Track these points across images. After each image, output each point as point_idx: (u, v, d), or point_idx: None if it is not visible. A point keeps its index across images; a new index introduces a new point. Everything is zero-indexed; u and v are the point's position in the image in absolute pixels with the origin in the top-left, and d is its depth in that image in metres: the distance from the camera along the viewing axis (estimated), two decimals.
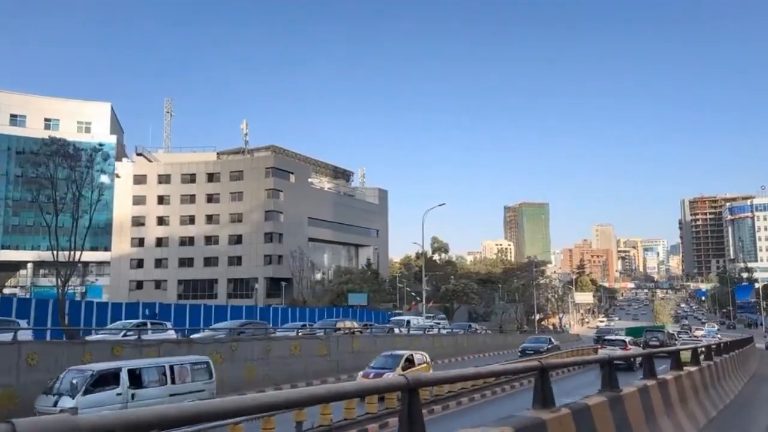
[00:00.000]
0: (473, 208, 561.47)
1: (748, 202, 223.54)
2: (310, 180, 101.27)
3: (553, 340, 45.43)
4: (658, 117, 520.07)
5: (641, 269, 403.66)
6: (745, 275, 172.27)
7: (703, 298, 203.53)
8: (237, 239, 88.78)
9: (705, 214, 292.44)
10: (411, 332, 41.84)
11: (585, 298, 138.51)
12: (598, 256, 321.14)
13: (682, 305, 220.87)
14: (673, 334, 55.90)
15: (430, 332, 44.73)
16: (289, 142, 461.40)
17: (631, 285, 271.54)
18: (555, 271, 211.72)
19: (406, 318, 49.15)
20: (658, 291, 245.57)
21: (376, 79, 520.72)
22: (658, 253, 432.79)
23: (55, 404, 14.75)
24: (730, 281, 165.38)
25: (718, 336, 64.55)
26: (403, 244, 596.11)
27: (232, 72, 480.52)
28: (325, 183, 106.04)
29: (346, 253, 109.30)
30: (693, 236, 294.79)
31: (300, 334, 31.33)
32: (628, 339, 39.66)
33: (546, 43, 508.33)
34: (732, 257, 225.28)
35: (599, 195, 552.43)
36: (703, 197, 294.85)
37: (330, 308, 58.74)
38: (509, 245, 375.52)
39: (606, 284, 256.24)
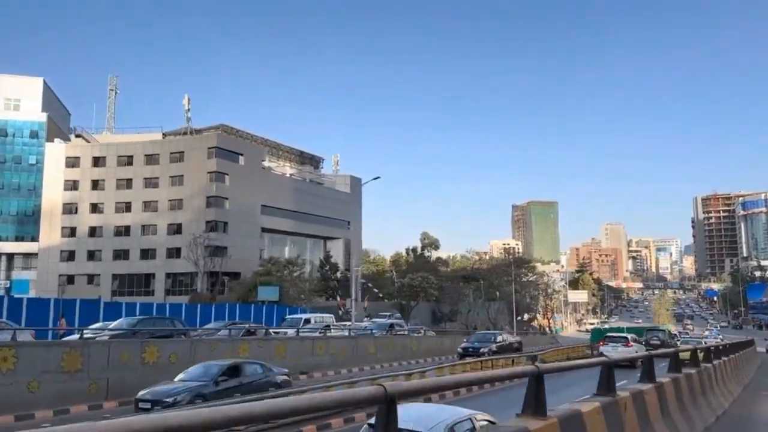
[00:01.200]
0: (481, 207, 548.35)
1: (762, 196, 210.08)
2: (268, 165, 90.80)
3: (508, 337, 40.70)
4: (671, 113, 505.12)
5: (653, 270, 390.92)
6: (758, 274, 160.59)
7: (715, 298, 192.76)
8: (176, 229, 78.30)
9: (718, 212, 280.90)
10: (302, 334, 31.67)
11: (579, 296, 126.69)
12: (606, 255, 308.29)
13: (692, 305, 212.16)
14: (676, 334, 55.38)
15: (331, 333, 35.10)
16: (263, 129, 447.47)
17: (639, 285, 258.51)
18: (558, 270, 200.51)
19: (304, 317, 38.65)
20: (669, 291, 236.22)
21: (379, 71, 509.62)
22: (671, 254, 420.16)
23: None
24: (742, 280, 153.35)
25: (720, 337, 62.35)
26: (400, 239, 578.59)
27: (199, 54, 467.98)
28: (287, 168, 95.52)
29: (313, 246, 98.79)
30: (706, 235, 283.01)
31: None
32: (630, 336, 38.75)
33: (556, 40, 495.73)
34: (745, 255, 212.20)
35: (610, 194, 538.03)
36: (717, 194, 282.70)
37: (234, 305, 48.29)
38: (517, 245, 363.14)
39: (612, 284, 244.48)
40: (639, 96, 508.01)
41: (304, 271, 68.11)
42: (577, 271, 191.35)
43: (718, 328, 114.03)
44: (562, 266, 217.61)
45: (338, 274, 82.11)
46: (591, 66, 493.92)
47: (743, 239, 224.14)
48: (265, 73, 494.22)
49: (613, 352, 33.32)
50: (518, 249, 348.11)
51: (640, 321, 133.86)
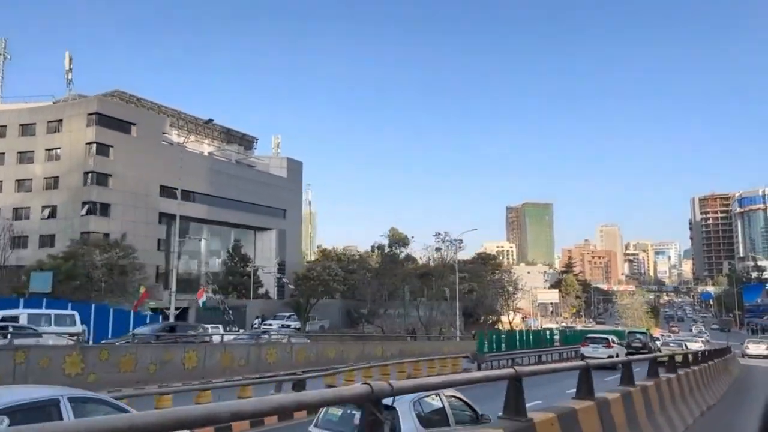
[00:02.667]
0: (475, 209, 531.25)
1: (760, 191, 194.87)
2: (179, 140, 77.00)
3: None
4: (670, 113, 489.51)
5: (651, 273, 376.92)
6: (754, 274, 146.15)
7: (711, 301, 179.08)
8: (51, 212, 64.73)
9: (716, 212, 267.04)
10: None
11: (549, 297, 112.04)
12: (599, 257, 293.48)
13: (686, 308, 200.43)
14: (659, 337, 56.25)
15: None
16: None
17: (632, 288, 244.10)
18: (545, 271, 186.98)
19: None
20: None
21: (370, 68, 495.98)
22: (669, 257, 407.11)
23: None
24: (737, 281, 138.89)
25: (703, 339, 61.32)
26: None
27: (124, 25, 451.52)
28: (206, 146, 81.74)
29: (239, 236, 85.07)
30: (703, 236, 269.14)
31: None
32: (611, 337, 39.05)
33: (551, 39, 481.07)
34: (741, 255, 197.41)
35: (608, 196, 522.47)
36: (714, 195, 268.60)
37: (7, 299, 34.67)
38: (511, 247, 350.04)
39: (604, 287, 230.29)
40: (636, 96, 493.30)
41: (134, 255, 53.94)
42: (563, 272, 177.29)
43: (702, 329, 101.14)
44: (549, 267, 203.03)
45: (248, 268, 68.16)
46: (587, 65, 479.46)
47: (740, 238, 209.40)
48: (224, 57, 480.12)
49: (593, 352, 34.44)
50: (512, 251, 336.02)
51: (619, 324, 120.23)
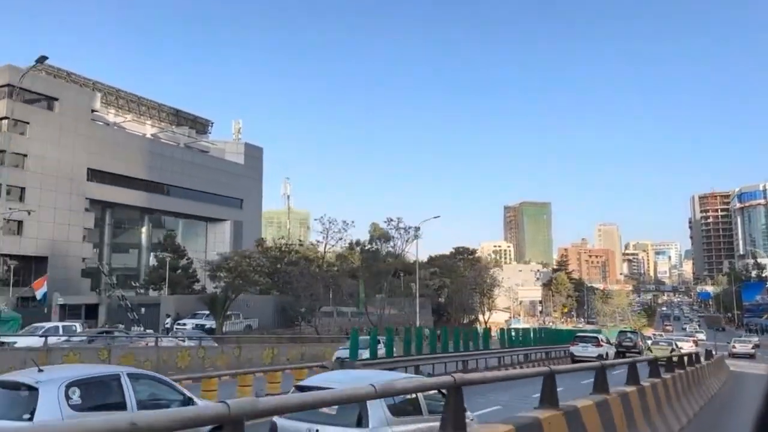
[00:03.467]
0: (472, 208, 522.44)
1: (761, 186, 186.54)
2: (116, 119, 69.87)
3: None
4: (668, 111, 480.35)
5: (651, 274, 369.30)
6: (754, 273, 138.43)
7: (710, 300, 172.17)
8: None
9: (716, 210, 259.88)
10: None
11: (530, 294, 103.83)
12: (596, 257, 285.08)
13: (684, 308, 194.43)
14: (650, 336, 56.32)
15: None
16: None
17: (629, 288, 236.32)
18: (539, 270, 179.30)
19: None
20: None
21: (365, 66, 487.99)
22: (669, 257, 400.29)
23: None
24: (736, 279, 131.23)
25: (694, 338, 61.29)
26: None
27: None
28: (148, 128, 74.28)
29: (189, 228, 77.78)
30: (703, 235, 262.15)
31: None
32: (600, 336, 39.41)
33: (548, 37, 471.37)
34: (741, 253, 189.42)
35: (606, 196, 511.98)
36: (715, 193, 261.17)
37: None
38: (509, 247, 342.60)
39: (600, 286, 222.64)
40: (634, 95, 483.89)
41: None
42: (555, 270, 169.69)
43: (697, 329, 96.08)
44: (543, 266, 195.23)
45: (185, 261, 60.48)
46: (584, 63, 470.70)
47: (739, 235, 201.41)
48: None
49: (583, 351, 34.89)
50: (510, 251, 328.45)
51: (608, 324, 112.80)
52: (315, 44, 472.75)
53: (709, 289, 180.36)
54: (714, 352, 38.36)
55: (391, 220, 64.68)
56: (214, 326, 42.67)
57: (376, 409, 7.34)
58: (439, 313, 76.59)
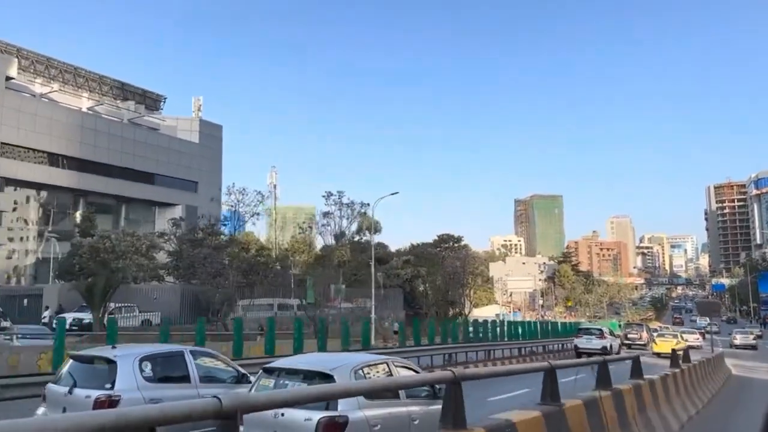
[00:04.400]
0: (482, 203, 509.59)
1: None
2: (42, 90, 61.82)
3: None
4: (681, 100, 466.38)
5: (666, 267, 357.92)
6: None
7: (725, 293, 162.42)
8: None
9: (732, 201, 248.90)
10: None
11: (522, 285, 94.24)
12: (608, 249, 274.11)
13: (697, 301, 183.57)
14: (657, 329, 56.19)
15: None
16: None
17: (641, 281, 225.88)
18: (545, 263, 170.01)
19: None
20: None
21: (369, 61, 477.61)
22: (685, 251, 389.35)
23: None
24: (752, 270, 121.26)
25: (701, 331, 61.77)
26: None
27: None
28: (84, 101, 66.16)
29: (134, 212, 69.60)
30: (719, 227, 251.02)
31: None
32: (604, 329, 39.46)
33: (558, 30, 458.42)
34: (759, 242, 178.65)
35: (621, 188, 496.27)
36: (731, 182, 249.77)
37: None
38: (519, 241, 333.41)
39: (610, 279, 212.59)
40: (646, 85, 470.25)
41: None
42: (559, 262, 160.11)
43: (707, 322, 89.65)
44: (549, 259, 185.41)
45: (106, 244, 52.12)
46: (594, 54, 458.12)
47: (756, 224, 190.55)
48: None
49: (587, 343, 35.16)
50: (520, 246, 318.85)
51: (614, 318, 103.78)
52: (313, 40, 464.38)
53: (725, 281, 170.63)
54: (712, 349, 32.39)
55: (330, 194, 56.00)
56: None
57: None
58: (414, 305, 67.88)
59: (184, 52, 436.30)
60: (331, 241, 61.91)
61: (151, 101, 74.85)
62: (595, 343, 34.75)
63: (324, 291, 56.07)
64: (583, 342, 35.87)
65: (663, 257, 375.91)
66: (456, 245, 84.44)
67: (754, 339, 52.72)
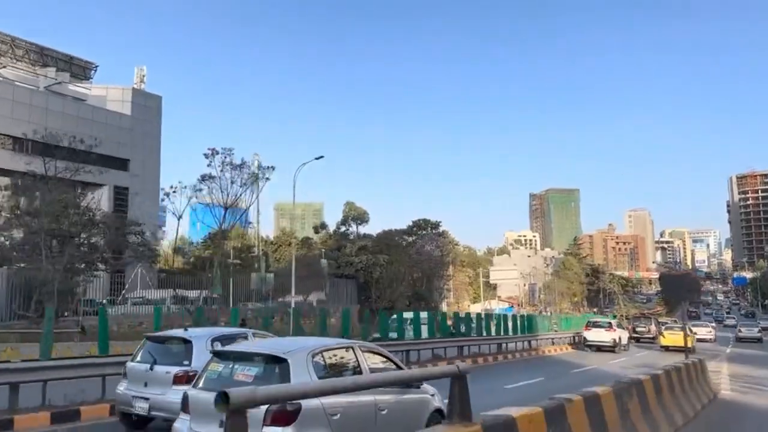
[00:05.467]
0: (496, 197, 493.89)
1: None
2: None
3: None
4: (702, 89, 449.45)
5: (688, 263, 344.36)
6: None
7: (746, 287, 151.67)
8: None
9: (756, 191, 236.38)
10: None
11: (505, 276, 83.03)
12: (624, 243, 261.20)
13: (719, 295, 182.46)
14: (666, 321, 53.43)
15: None
16: None
17: (656, 275, 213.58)
18: (553, 257, 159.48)
19: None
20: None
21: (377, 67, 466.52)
22: (708, 245, 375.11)
23: None
24: None
25: (712, 325, 58.82)
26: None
27: None
28: None
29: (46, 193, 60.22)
30: (742, 218, 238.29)
31: None
32: (613, 321, 39.61)
33: (576, 19, 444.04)
34: None
35: (640, 181, 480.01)
36: (755, 172, 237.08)
37: None
38: (534, 236, 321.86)
39: (625, 274, 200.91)
40: (665, 75, 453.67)
41: None
42: (567, 255, 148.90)
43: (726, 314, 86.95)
44: (559, 253, 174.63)
45: None
46: (611, 44, 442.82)
47: None
48: None
49: (596, 336, 34.88)
50: (536, 241, 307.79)
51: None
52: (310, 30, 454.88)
53: (747, 275, 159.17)
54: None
55: (215, 152, 45.80)
56: None
57: (302, 376, 6.51)
58: (371, 297, 58.01)
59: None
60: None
61: (80, 69, 65.50)
62: (604, 336, 34.65)
63: (245, 282, 46.71)
64: (591, 335, 35.49)
65: (685, 252, 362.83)
66: (433, 232, 74.31)
67: (759, 332, 51.63)
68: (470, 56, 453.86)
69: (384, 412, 7.16)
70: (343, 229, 77.05)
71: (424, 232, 74.06)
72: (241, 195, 46.59)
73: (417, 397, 7.94)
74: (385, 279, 59.29)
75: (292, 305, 37.47)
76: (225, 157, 44.22)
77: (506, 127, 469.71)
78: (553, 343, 37.73)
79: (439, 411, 8.06)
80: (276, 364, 6.68)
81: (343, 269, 55.82)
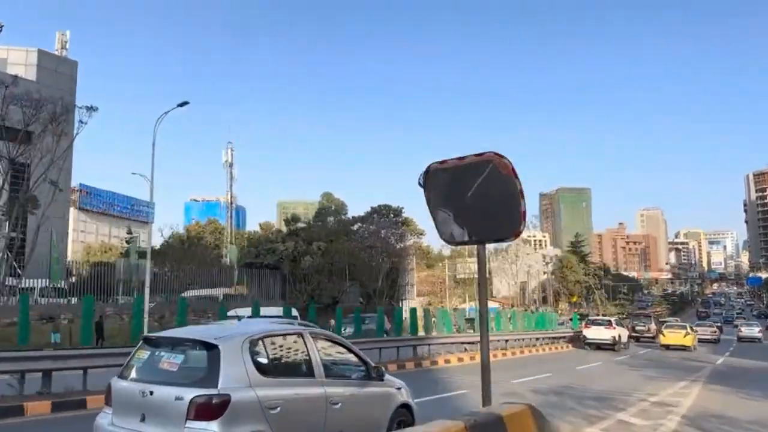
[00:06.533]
0: None
1: None
2: None
3: None
4: (716, 82, 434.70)
5: (704, 264, 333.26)
6: None
7: (764, 288, 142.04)
8: None
9: None
10: None
11: (470, 270, 72.35)
12: (635, 243, 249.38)
13: (732, 296, 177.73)
14: (668, 320, 54.47)
15: None
16: None
17: (667, 276, 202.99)
18: (555, 255, 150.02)
19: None
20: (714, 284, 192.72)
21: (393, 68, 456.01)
22: (725, 247, 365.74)
23: None
24: None
25: (718, 325, 58.37)
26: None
27: None
28: None
29: None
30: (760, 218, 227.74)
31: None
32: (612, 319, 38.97)
33: (587, 17, 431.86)
34: None
35: (654, 181, 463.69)
36: None
37: None
38: (544, 237, 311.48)
39: (634, 274, 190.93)
40: (680, 72, 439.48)
41: None
42: (570, 251, 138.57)
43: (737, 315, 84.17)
44: (560, 251, 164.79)
45: None
46: (623, 37, 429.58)
47: None
48: None
49: (596, 334, 34.45)
50: (545, 242, 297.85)
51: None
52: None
53: (763, 275, 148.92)
54: None
55: None
56: None
57: (234, 365, 5.74)
58: (304, 291, 48.20)
59: None
60: None
61: None
62: (604, 334, 34.37)
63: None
64: (591, 333, 35.17)
65: (700, 254, 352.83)
66: (395, 218, 64.52)
67: (759, 332, 51.70)
68: (484, 55, 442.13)
69: (338, 406, 6.56)
70: (319, 222, 68.11)
71: (384, 218, 64.40)
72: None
73: (379, 390, 7.36)
74: (323, 270, 49.59)
75: (146, 303, 27.55)
76: None
77: (516, 126, 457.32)
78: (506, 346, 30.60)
79: (405, 406, 7.62)
80: (205, 352, 5.85)
81: (264, 258, 45.95)
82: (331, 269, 48.56)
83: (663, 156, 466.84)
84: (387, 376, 7.55)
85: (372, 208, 65.58)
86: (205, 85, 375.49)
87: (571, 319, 56.66)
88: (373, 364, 7.42)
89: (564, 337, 39.58)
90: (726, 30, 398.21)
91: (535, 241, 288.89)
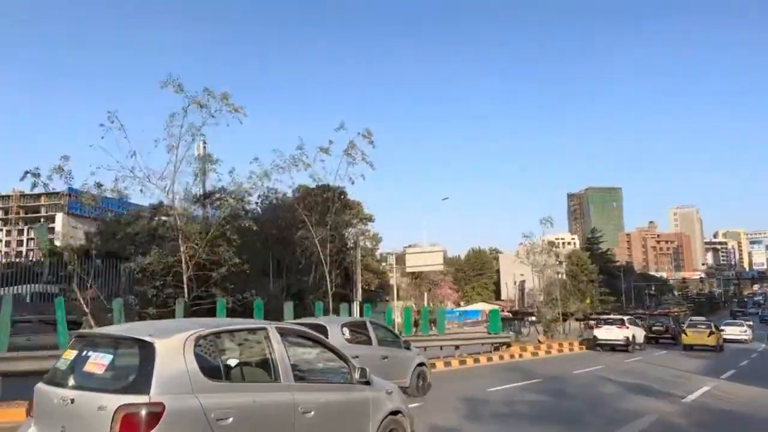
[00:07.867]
0: (533, 198, 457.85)
1: None
2: None
3: None
4: (752, 71, 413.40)
5: (745, 265, 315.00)
6: None
7: None
8: None
9: None
10: None
11: (423, 261, 59.62)
12: (667, 242, 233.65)
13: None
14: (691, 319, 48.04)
15: None
16: None
17: (698, 275, 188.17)
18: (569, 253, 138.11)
19: None
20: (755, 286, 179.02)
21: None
22: (767, 247, 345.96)
23: None
24: None
25: (749, 323, 54.63)
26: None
27: None
28: None
29: None
30: None
31: None
32: (626, 318, 35.89)
33: (619, 11, 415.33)
34: None
35: (688, 179, 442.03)
36: None
37: None
38: (573, 238, 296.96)
39: (663, 274, 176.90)
40: (716, 68, 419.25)
41: None
42: (586, 249, 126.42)
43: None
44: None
45: None
46: (652, 34, 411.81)
47: None
48: None
49: (606, 334, 32.94)
50: (574, 243, 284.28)
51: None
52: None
53: None
54: None
55: None
56: None
57: (172, 367, 4.64)
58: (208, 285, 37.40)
59: None
60: None
61: None
62: (616, 334, 32.40)
63: None
64: (602, 333, 32.99)
65: (740, 254, 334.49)
66: (341, 199, 53.52)
67: (744, 333, 47.53)
68: (513, 58, 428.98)
69: (310, 416, 5.55)
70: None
71: (327, 202, 53.19)
72: None
73: (363, 395, 6.32)
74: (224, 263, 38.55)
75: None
76: None
77: (544, 122, 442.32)
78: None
79: (397, 413, 6.72)
80: (137, 350, 4.76)
81: (111, 245, 34.71)
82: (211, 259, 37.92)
83: (699, 155, 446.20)
84: (375, 379, 6.64)
85: (317, 185, 54.90)
86: None
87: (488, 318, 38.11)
88: (356, 365, 6.36)
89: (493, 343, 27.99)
90: (759, 26, 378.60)
91: (563, 243, 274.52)
